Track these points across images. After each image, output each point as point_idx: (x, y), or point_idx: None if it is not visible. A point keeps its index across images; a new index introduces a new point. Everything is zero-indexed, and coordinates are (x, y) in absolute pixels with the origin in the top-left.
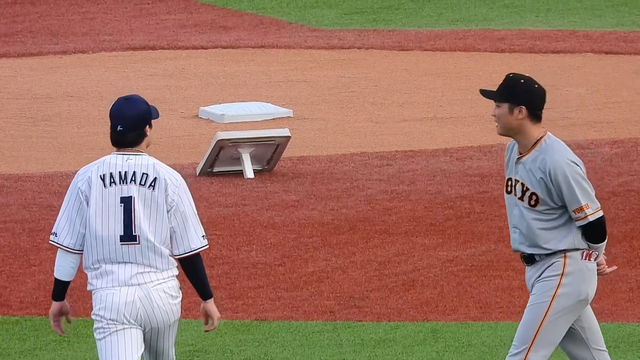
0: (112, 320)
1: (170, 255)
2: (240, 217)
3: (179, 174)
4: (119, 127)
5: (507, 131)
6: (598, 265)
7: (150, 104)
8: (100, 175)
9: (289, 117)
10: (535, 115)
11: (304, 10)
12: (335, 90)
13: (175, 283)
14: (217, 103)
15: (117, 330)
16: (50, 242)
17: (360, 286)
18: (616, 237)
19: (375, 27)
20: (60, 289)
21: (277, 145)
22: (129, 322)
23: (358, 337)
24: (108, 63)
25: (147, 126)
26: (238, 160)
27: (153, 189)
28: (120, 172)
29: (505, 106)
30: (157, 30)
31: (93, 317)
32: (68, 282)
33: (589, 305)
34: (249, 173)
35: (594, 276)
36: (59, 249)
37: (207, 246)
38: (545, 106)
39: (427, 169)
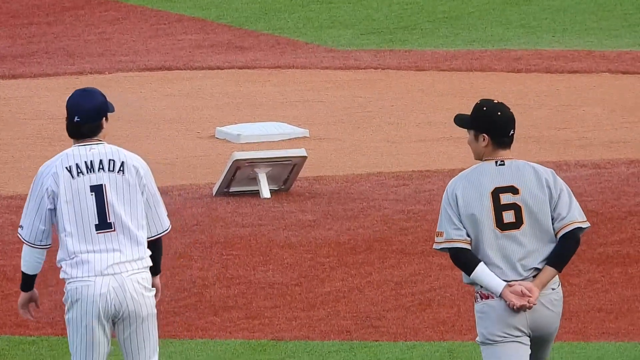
0: (85, 313)
1: (144, 245)
2: (257, 237)
3: (140, 157)
4: (75, 118)
5: (478, 157)
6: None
7: (108, 100)
8: (67, 167)
9: (306, 137)
10: (500, 142)
11: (321, 31)
12: (352, 110)
13: (148, 275)
14: (234, 123)
15: (88, 326)
16: (18, 234)
17: (376, 306)
18: (633, 257)
19: (391, 48)
20: (28, 281)
21: (294, 165)
22: (103, 319)
23: (375, 357)
24: (124, 83)
25: (104, 118)
26: (254, 180)
27: (123, 173)
28: (86, 162)
29: (472, 133)
30: (174, 50)
31: (64, 302)
32: (35, 276)
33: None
34: (266, 193)
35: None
36: (23, 244)
37: (170, 226)
38: (561, 126)
39: (443, 189)
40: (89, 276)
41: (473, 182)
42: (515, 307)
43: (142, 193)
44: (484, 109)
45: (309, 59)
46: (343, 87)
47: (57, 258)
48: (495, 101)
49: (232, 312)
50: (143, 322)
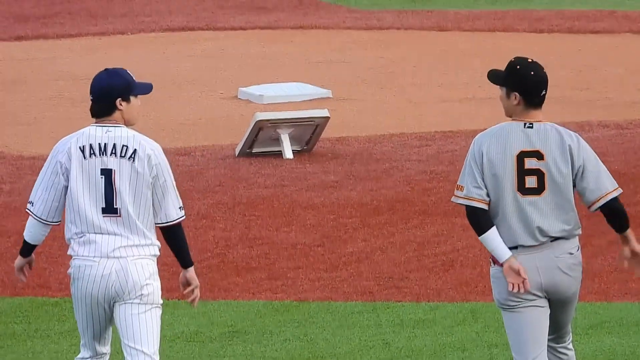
0: (89, 297)
1: (152, 231)
2: (280, 197)
3: (158, 145)
4: (90, 96)
5: (508, 114)
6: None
7: (139, 80)
8: (80, 147)
9: (328, 97)
10: (531, 102)
11: None
12: (374, 70)
13: (153, 264)
14: (256, 84)
15: (87, 304)
16: (26, 209)
17: (399, 267)
18: None
19: (414, 8)
20: (28, 249)
21: (316, 126)
22: (102, 301)
23: (397, 317)
24: (147, 44)
25: (120, 99)
26: (277, 141)
27: (133, 160)
28: (100, 144)
29: (504, 90)
30: (196, 11)
31: (69, 274)
32: (36, 245)
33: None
34: (288, 154)
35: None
36: (30, 216)
37: (184, 217)
38: (584, 86)
39: (466, 149)
40: (94, 256)
41: (500, 142)
42: (509, 285)
43: (152, 183)
44: (518, 67)
45: (331, 19)
46: (365, 47)
47: (66, 236)
48: (530, 60)
49: (255, 273)
50: (144, 309)
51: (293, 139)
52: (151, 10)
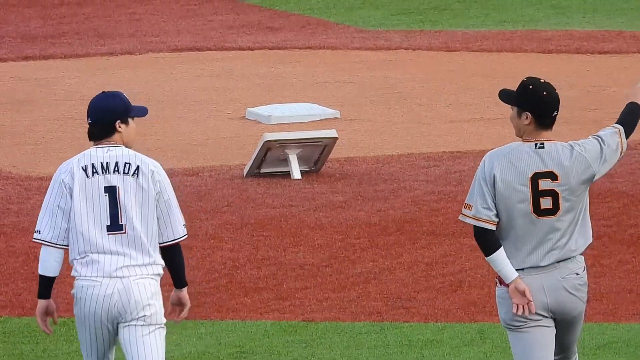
0: (88, 312)
1: (156, 249)
2: (288, 218)
3: (158, 163)
4: (89, 119)
5: (519, 133)
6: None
7: (135, 104)
8: (82, 167)
9: (336, 118)
10: (542, 122)
11: (351, 11)
12: (382, 91)
13: (156, 284)
14: (264, 104)
15: (90, 325)
16: (34, 240)
17: (407, 287)
18: None
19: (422, 28)
20: (45, 286)
21: (324, 146)
22: (101, 318)
23: (405, 338)
24: (155, 64)
25: (119, 121)
26: (285, 161)
27: (137, 177)
28: (102, 163)
29: (515, 110)
30: (204, 31)
31: (72, 295)
32: (53, 279)
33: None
34: (296, 174)
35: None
36: (42, 245)
37: (187, 236)
38: (592, 107)
39: (474, 170)
40: (97, 276)
41: (513, 164)
42: (514, 306)
43: (156, 199)
44: (530, 87)
45: (339, 40)
46: (373, 67)
47: (70, 257)
48: (542, 80)
49: (263, 293)
50: (147, 325)
51: (301, 160)
52: (159, 31)
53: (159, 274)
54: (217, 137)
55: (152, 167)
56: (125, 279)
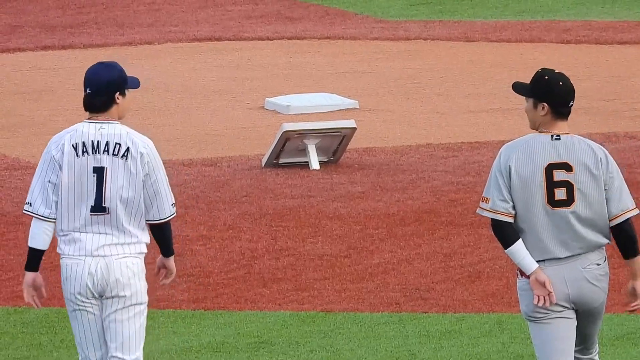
0: (79, 294)
1: (140, 229)
2: (306, 208)
3: (151, 141)
4: (87, 89)
5: (534, 126)
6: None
7: (132, 75)
8: (73, 145)
9: (355, 108)
10: (559, 112)
11: (370, 1)
12: (401, 81)
13: (139, 262)
14: (283, 94)
15: (78, 303)
16: (24, 211)
17: (426, 278)
18: None
19: (441, 18)
20: (34, 259)
21: (343, 137)
22: (91, 297)
23: (424, 328)
24: (174, 54)
25: (118, 93)
26: (304, 151)
27: (126, 159)
28: (92, 142)
29: (530, 101)
30: (223, 21)
31: (61, 284)
32: (43, 251)
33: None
34: (315, 164)
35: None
36: (33, 218)
37: (175, 214)
38: (611, 97)
39: (492, 160)
40: (79, 255)
41: (528, 155)
42: (535, 297)
43: (144, 180)
44: (546, 78)
45: (358, 30)
46: (392, 58)
47: (56, 229)
48: (557, 71)
49: (281, 284)
50: (127, 306)
51: (320, 150)
52: (178, 20)
53: (142, 252)
54: (236, 127)
55: (142, 149)
56: (107, 257)
